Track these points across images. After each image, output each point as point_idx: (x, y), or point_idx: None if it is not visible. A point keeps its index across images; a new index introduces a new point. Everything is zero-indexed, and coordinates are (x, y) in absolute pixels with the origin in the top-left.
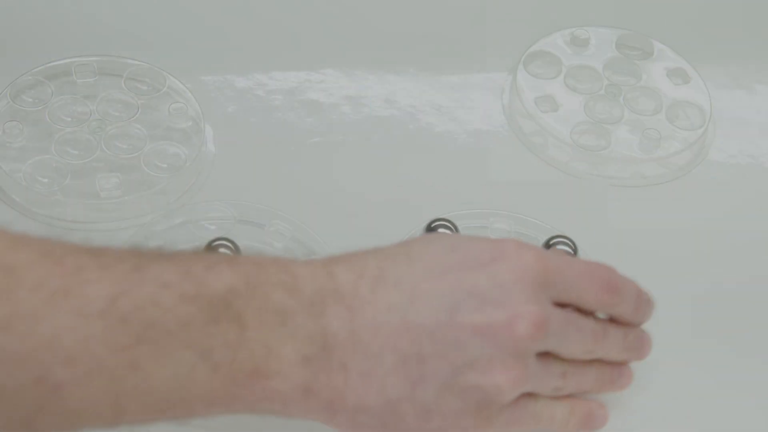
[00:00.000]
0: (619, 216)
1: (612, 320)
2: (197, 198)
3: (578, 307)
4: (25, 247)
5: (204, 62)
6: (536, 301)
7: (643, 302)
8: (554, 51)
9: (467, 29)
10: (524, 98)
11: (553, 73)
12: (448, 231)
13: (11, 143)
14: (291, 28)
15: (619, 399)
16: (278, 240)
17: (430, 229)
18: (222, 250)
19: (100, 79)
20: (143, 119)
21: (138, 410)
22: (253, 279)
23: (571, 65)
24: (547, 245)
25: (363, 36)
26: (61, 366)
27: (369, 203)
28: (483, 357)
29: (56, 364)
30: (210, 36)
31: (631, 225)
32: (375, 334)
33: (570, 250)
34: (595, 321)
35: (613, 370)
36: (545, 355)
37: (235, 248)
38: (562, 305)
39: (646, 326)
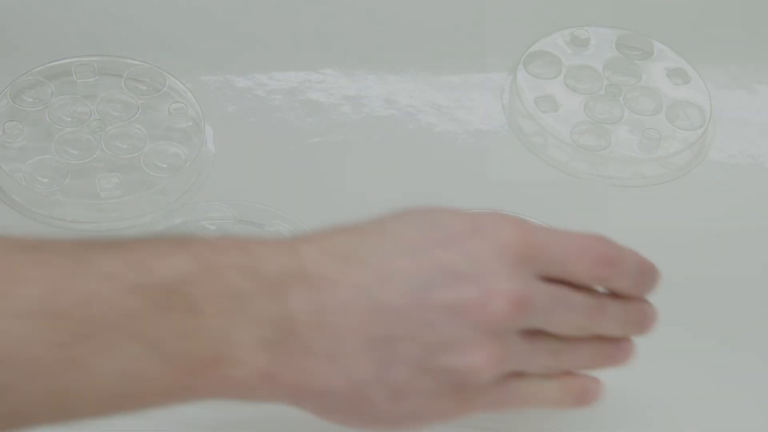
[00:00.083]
0: (619, 216)
1: (613, 293)
2: (197, 198)
3: (571, 282)
4: None
5: (204, 62)
6: (515, 277)
7: (645, 274)
8: (554, 51)
9: (467, 29)
10: (524, 98)
11: (553, 73)
12: None
13: (11, 143)
14: (291, 28)
15: (619, 398)
16: None
17: None
18: None
19: (100, 79)
20: (143, 119)
21: (87, 407)
22: (209, 263)
23: (571, 65)
24: None
25: (363, 36)
26: (1, 368)
27: (369, 203)
28: (457, 337)
29: None
30: (210, 36)
31: (631, 225)
32: (343, 316)
33: None
34: (590, 296)
35: (610, 346)
36: (534, 333)
37: None
38: (555, 280)
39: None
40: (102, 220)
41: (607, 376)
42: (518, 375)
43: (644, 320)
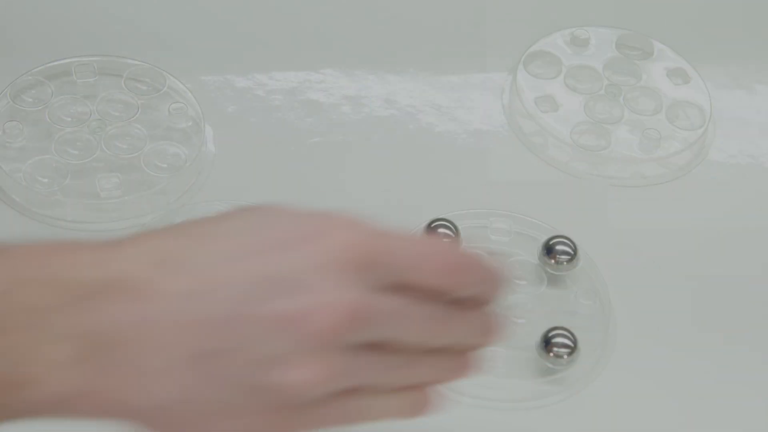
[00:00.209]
0: (619, 216)
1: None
2: (197, 198)
3: (423, 291)
4: None
5: (204, 62)
6: (348, 288)
7: (490, 281)
8: (554, 51)
9: (467, 29)
10: (524, 98)
11: (553, 73)
12: (449, 232)
13: (11, 143)
14: (291, 28)
15: (619, 398)
16: None
17: (431, 229)
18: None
19: (100, 79)
20: (143, 119)
21: None
22: (16, 275)
23: (571, 65)
24: (547, 245)
25: (363, 36)
26: None
27: (369, 203)
28: (282, 352)
29: None
30: (210, 36)
31: (631, 225)
32: (164, 328)
33: (570, 250)
34: (435, 306)
35: (453, 358)
36: (375, 346)
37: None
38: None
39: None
40: (102, 220)
41: (608, 377)
42: (355, 391)
43: (487, 330)
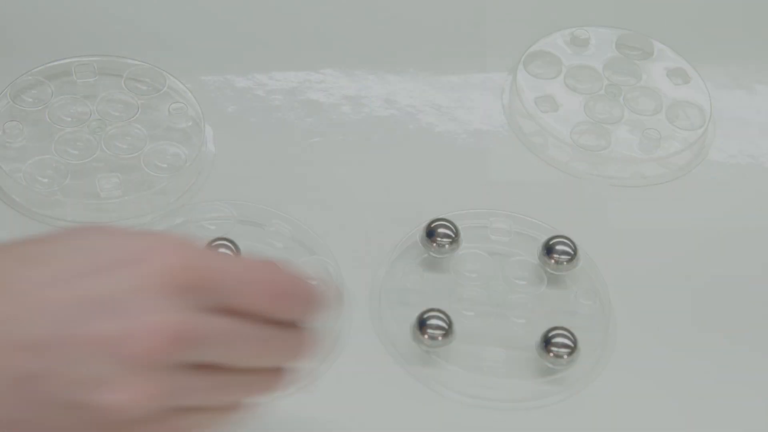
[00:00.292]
0: (619, 216)
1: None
2: (197, 198)
3: (246, 314)
4: None
5: (204, 62)
6: (169, 310)
7: (310, 303)
8: (554, 51)
9: (467, 29)
10: (524, 98)
11: (553, 73)
12: (448, 237)
13: (11, 143)
14: (291, 28)
15: (619, 398)
16: (278, 240)
17: (431, 229)
18: (222, 250)
19: (100, 79)
20: (143, 119)
21: None
22: None
23: (571, 65)
24: (547, 245)
25: (363, 36)
26: None
27: (369, 203)
28: (102, 374)
29: None
30: (210, 36)
31: (631, 225)
32: None
33: (570, 250)
34: (258, 327)
35: (263, 376)
36: (204, 366)
37: (236, 248)
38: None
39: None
40: (102, 220)
41: (608, 377)
42: (183, 410)
43: (297, 348)
